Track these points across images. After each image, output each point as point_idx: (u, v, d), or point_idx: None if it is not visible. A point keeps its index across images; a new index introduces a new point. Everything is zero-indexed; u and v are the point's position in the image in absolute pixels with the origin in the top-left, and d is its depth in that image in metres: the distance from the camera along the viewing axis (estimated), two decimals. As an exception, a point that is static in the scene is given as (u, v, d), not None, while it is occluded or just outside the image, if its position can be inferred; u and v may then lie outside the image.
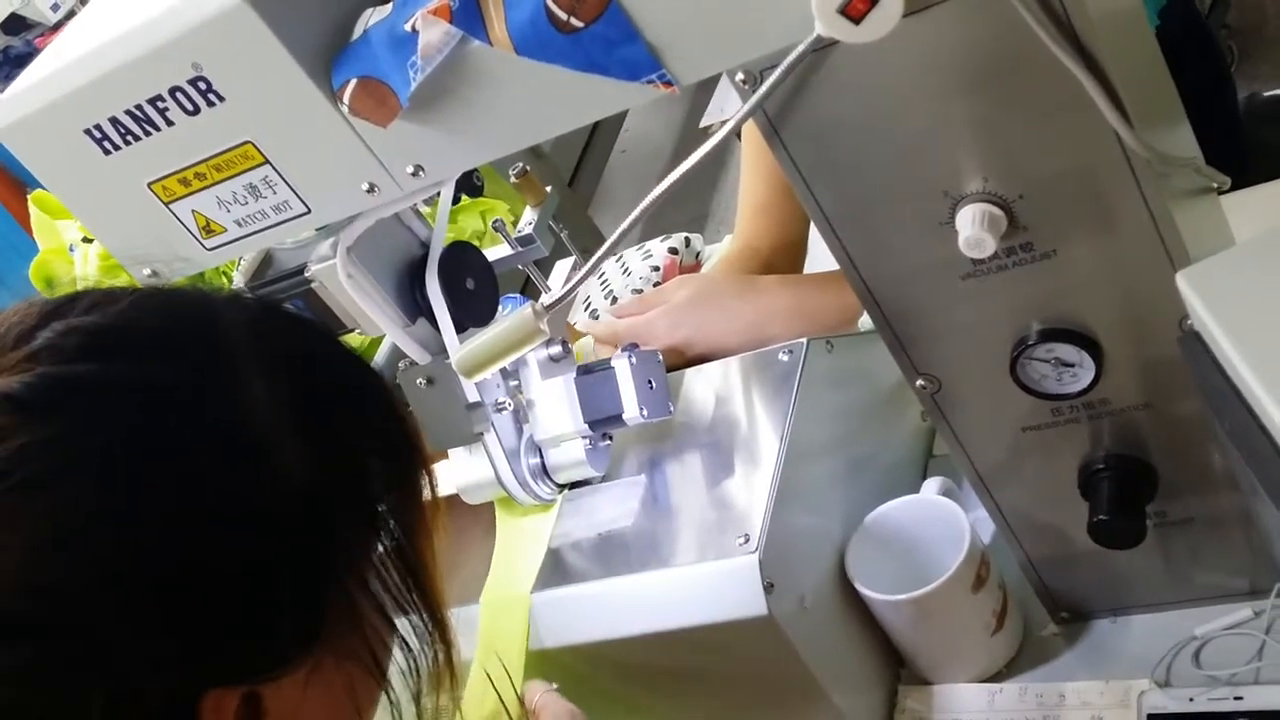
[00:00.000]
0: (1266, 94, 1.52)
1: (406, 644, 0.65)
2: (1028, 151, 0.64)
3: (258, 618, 0.55)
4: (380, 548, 0.62)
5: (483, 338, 0.70)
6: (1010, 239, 0.67)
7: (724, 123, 0.66)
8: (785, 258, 1.31)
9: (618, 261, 1.55)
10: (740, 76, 0.65)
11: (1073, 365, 0.72)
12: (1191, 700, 0.78)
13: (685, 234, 1.61)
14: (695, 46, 0.62)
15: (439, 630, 0.66)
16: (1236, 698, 0.77)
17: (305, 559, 0.57)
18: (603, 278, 1.54)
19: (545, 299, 0.69)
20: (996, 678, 0.87)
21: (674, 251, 1.55)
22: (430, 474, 0.67)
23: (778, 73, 0.63)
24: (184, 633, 0.52)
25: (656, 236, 1.59)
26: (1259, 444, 0.53)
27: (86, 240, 1.83)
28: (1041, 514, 0.83)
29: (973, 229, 0.65)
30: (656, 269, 1.51)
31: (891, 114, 0.65)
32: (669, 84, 0.65)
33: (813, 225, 1.41)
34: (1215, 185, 0.73)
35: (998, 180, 0.65)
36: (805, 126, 0.67)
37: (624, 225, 0.74)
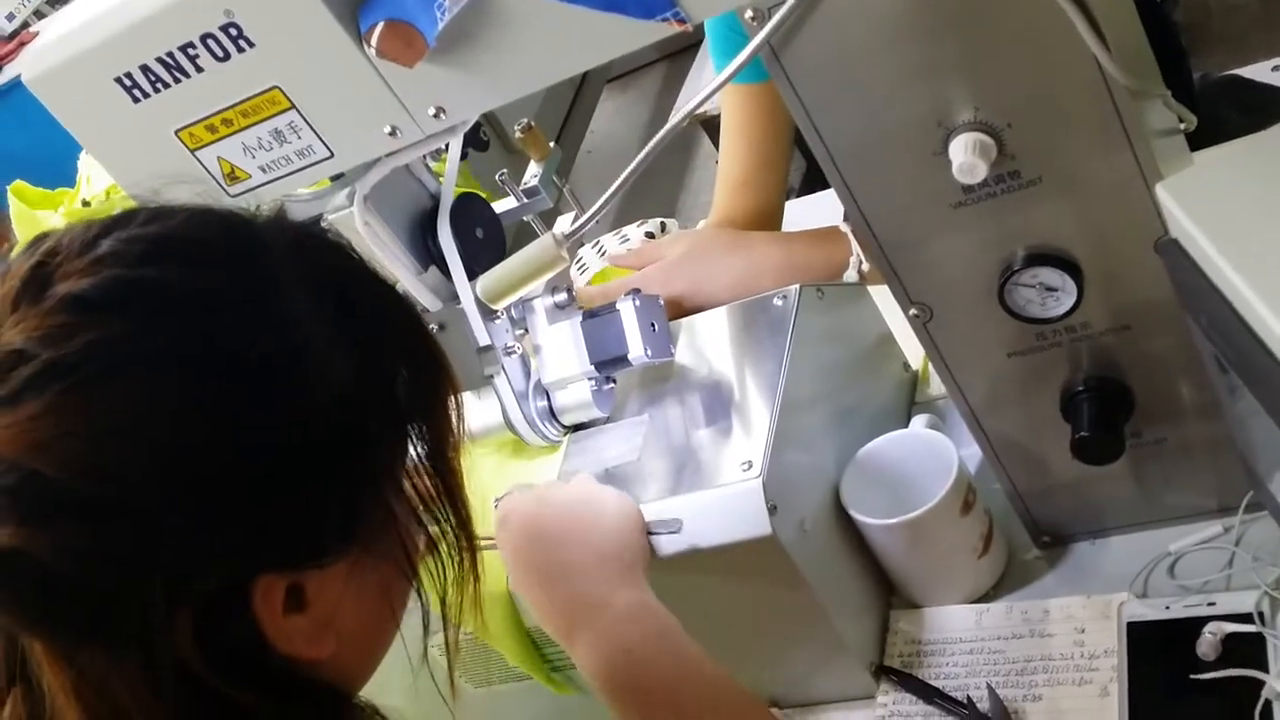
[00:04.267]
0: (1219, 75, 1.58)
1: (434, 546, 0.69)
2: (1016, 81, 0.69)
3: (303, 509, 0.59)
4: (413, 454, 0.66)
5: (507, 265, 0.75)
6: (999, 166, 0.72)
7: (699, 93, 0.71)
8: (761, 228, 1.36)
9: (594, 247, 1.59)
10: (749, 13, 0.70)
11: (1056, 290, 0.78)
12: (1168, 608, 0.84)
13: (661, 219, 1.65)
14: (707, -15, 0.67)
15: (465, 534, 0.70)
16: (1210, 603, 0.82)
17: (345, 456, 0.61)
18: (580, 262, 1.58)
19: (566, 227, 0.74)
20: (984, 599, 0.92)
21: (650, 235, 1.59)
22: (457, 391, 0.71)
23: (785, 8, 0.68)
24: (236, 520, 0.56)
25: (632, 223, 1.63)
26: (1236, 333, 0.58)
27: (70, 228, 1.85)
28: (1026, 441, 0.88)
29: (965, 155, 0.70)
30: (627, 241, 1.55)
31: (888, 46, 0.69)
32: (681, 21, 0.70)
33: (786, 200, 1.46)
34: (1183, 125, 0.78)
35: (988, 110, 0.70)
36: (807, 60, 0.71)
37: (630, 169, 0.79)
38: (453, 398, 0.69)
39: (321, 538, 0.60)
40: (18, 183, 2.00)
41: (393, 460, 0.65)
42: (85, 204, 1.86)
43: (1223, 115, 1.51)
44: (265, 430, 0.57)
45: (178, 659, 0.55)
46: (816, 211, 1.55)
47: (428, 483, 0.67)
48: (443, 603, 0.69)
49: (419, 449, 0.66)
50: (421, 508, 0.67)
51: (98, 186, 1.92)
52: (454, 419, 0.69)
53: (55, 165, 2.00)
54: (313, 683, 0.61)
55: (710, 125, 2.82)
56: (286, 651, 0.59)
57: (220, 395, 0.56)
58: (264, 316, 0.60)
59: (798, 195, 1.83)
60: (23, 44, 2.90)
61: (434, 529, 0.68)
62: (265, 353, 0.58)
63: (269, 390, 0.58)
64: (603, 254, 1.55)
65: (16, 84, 2.43)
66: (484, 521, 0.91)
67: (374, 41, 0.74)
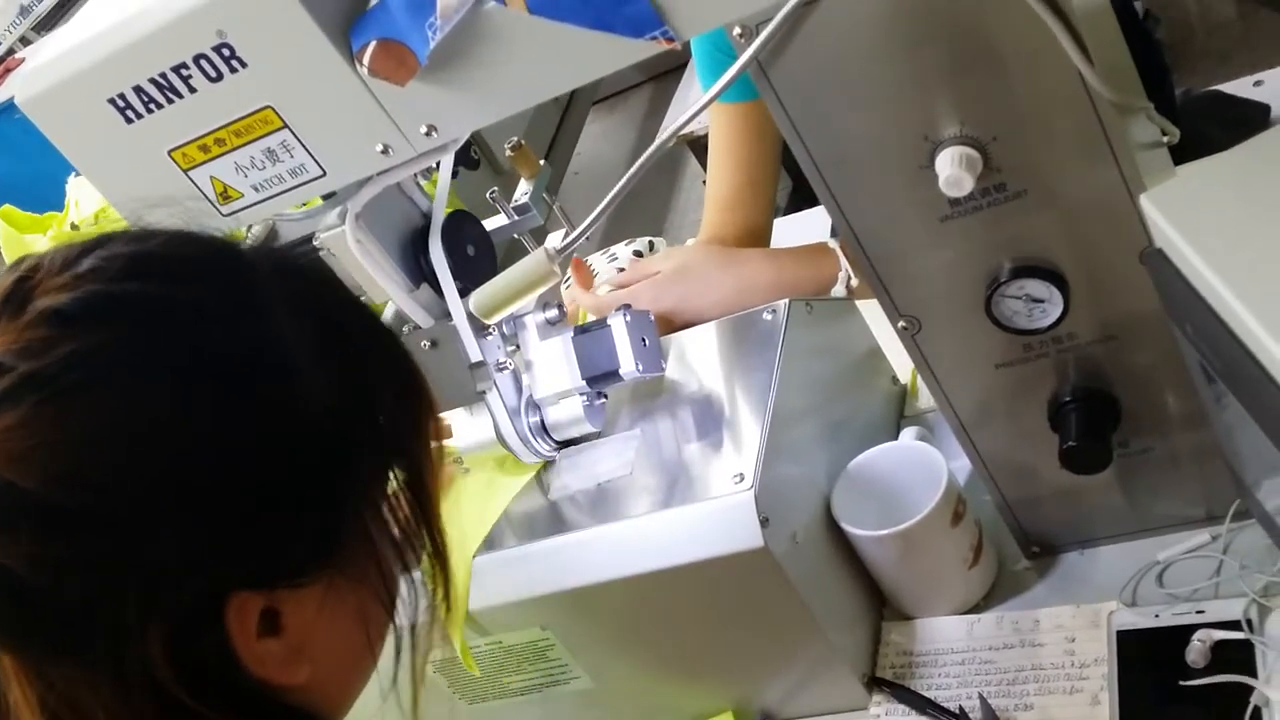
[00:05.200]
0: (1200, 91, 1.60)
1: (410, 576, 0.68)
2: (1001, 95, 0.70)
3: (281, 523, 0.59)
4: (392, 479, 0.66)
5: (500, 280, 0.75)
6: (985, 180, 0.73)
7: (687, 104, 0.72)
8: (749, 246, 1.37)
9: (584, 265, 1.60)
10: (737, 30, 0.71)
11: (1042, 301, 0.79)
12: (1157, 616, 0.84)
13: (649, 237, 1.67)
14: (695, 3, 0.68)
15: (440, 562, 0.70)
16: (1198, 611, 0.83)
17: (325, 473, 0.61)
18: (567, 281, 1.59)
19: (558, 242, 0.74)
20: (974, 610, 0.93)
21: (638, 254, 1.60)
22: (437, 417, 0.71)
23: (773, 24, 0.69)
24: (213, 529, 0.56)
25: (619, 242, 1.65)
26: (1221, 341, 0.59)
27: (59, 251, 1.86)
28: (1015, 454, 0.89)
29: (952, 169, 0.71)
30: (622, 270, 1.57)
31: (875, 61, 0.70)
32: (670, 39, 0.70)
33: (775, 215, 1.47)
34: (1166, 138, 0.79)
35: (974, 123, 0.71)
36: (795, 75, 0.72)
37: (620, 185, 0.79)
38: (434, 427, 0.69)
39: (298, 554, 0.60)
40: (6, 207, 2.00)
41: (372, 483, 0.65)
42: (74, 227, 1.87)
43: (1205, 131, 1.53)
44: (244, 440, 0.57)
45: (150, 675, 0.55)
46: (802, 230, 1.56)
47: (406, 509, 0.67)
48: (412, 630, 0.69)
49: (398, 476, 0.66)
50: (399, 534, 0.67)
51: (86, 210, 1.92)
52: (434, 447, 0.69)
53: (43, 190, 2.00)
54: (289, 709, 0.61)
55: (697, 146, 2.83)
56: (260, 675, 0.59)
57: (200, 404, 0.56)
58: (248, 330, 0.60)
59: (784, 214, 1.85)
60: (9, 70, 2.90)
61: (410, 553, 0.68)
62: (247, 364, 0.59)
63: (250, 400, 0.58)
64: (593, 274, 1.56)
65: (3, 110, 2.44)
66: (459, 550, 0.91)
67: (366, 61, 0.75)
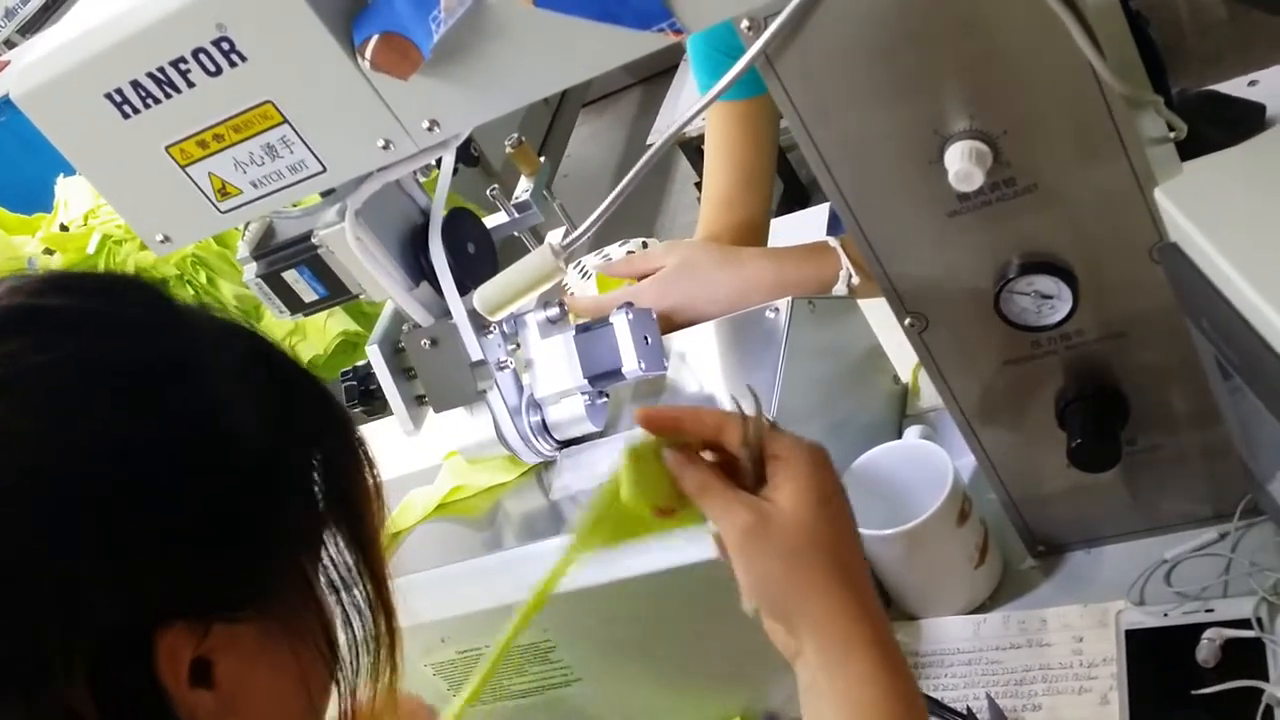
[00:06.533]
0: (1195, 90, 1.60)
1: (352, 629, 0.66)
2: (1011, 89, 0.70)
3: (206, 545, 0.57)
4: (330, 525, 0.64)
5: (505, 275, 0.74)
6: (994, 174, 0.73)
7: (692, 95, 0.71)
8: (746, 245, 1.36)
9: (576, 267, 1.60)
10: (746, 23, 0.70)
11: (1051, 297, 0.78)
12: (1166, 615, 0.84)
13: (642, 238, 1.66)
14: (704, -5, 0.67)
15: (385, 616, 0.67)
16: (1207, 610, 0.83)
17: (250, 500, 0.59)
18: (562, 282, 1.59)
19: (562, 238, 0.73)
20: (980, 609, 0.92)
21: (632, 255, 1.59)
22: (373, 464, 0.69)
23: (782, 17, 0.68)
24: (130, 546, 0.54)
25: (612, 243, 1.64)
26: (1239, 334, 0.59)
27: (48, 253, 1.84)
28: (1022, 452, 0.88)
29: (962, 162, 0.71)
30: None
31: (884, 55, 0.70)
32: (678, 31, 0.70)
33: (772, 214, 1.46)
34: (1173, 134, 0.79)
35: (984, 117, 0.71)
36: (802, 69, 0.71)
37: (627, 180, 0.78)
38: (369, 469, 0.67)
39: (223, 582, 0.57)
40: (-7, 207, 1.99)
41: (306, 522, 0.63)
42: (63, 228, 1.85)
43: (1201, 130, 1.53)
44: (158, 452, 0.55)
45: (72, 711, 0.52)
46: (794, 232, 1.55)
47: (348, 559, 0.65)
48: (352, 695, 0.66)
49: (336, 514, 0.64)
50: (341, 585, 0.65)
51: (75, 211, 1.91)
52: (372, 487, 0.67)
53: (32, 192, 1.99)
54: None
55: (688, 147, 2.83)
56: None
57: (113, 415, 0.55)
58: (172, 346, 0.59)
59: (774, 216, 1.84)
60: (-8, 73, 2.88)
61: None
62: (169, 378, 0.58)
63: (164, 414, 0.57)
64: (586, 275, 1.55)
65: (-9, 112, 2.42)
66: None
67: (368, 54, 0.74)
